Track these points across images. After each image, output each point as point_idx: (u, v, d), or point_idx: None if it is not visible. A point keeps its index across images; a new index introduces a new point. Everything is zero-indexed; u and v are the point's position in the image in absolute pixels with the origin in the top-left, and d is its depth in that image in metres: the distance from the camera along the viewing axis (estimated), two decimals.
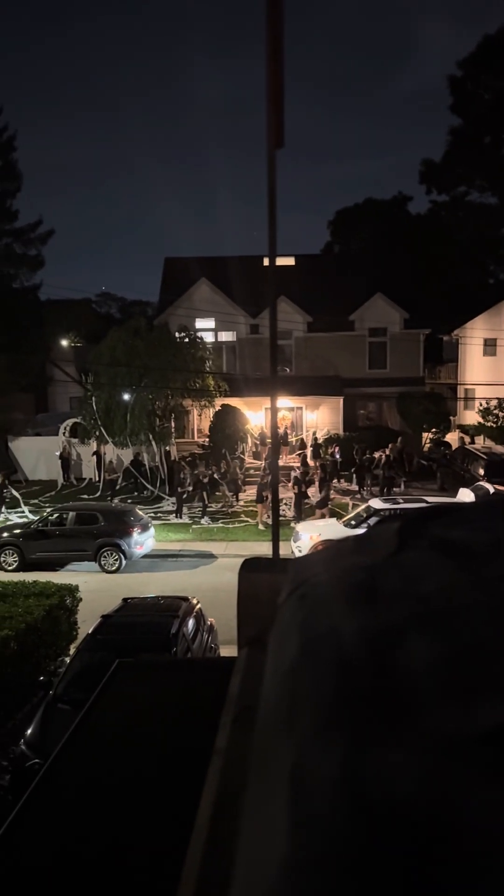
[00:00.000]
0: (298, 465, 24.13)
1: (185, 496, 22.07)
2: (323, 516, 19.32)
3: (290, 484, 21.88)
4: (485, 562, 0.90)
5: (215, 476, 23.52)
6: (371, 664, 0.68)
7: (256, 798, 0.66)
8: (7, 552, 16.96)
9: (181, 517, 21.56)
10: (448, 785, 0.51)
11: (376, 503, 17.03)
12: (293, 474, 21.96)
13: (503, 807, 0.48)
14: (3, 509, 22.19)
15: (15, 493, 22.86)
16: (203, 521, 21.07)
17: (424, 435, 29.37)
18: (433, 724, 0.58)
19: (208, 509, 21.71)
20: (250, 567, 1.80)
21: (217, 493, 23.32)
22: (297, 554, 15.63)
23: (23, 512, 22.16)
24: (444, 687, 0.63)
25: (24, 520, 19.97)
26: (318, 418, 30.12)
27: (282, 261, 32.99)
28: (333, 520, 18.31)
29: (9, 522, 20.08)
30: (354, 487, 24.14)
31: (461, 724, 0.57)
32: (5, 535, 17.32)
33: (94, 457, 26.46)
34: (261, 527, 20.00)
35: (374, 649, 0.70)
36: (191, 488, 22.39)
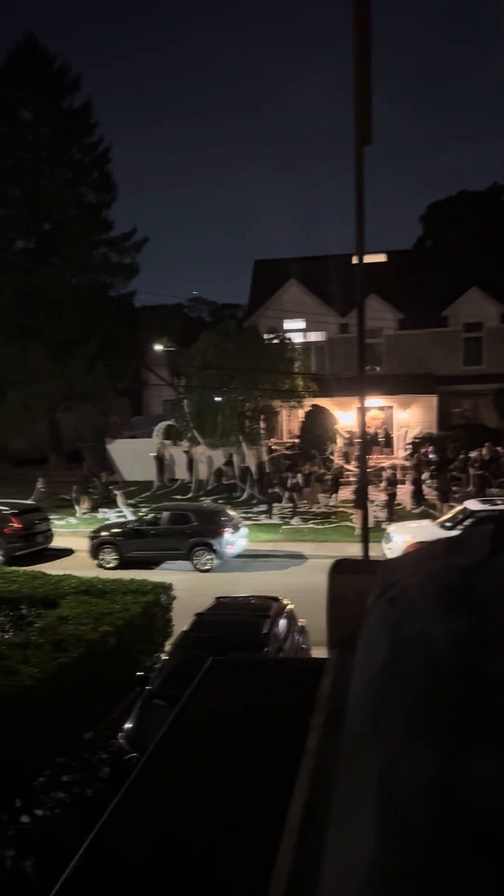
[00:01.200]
0: (388, 465, 23.70)
1: (275, 496, 22.14)
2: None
3: (383, 484, 21.54)
4: None
5: (308, 475, 23.46)
6: (463, 669, 0.66)
7: (345, 802, 0.66)
8: (106, 551, 17.58)
9: (272, 517, 21.65)
10: None
11: (472, 504, 16.49)
12: (384, 474, 21.61)
13: None
14: (105, 509, 23.20)
15: (117, 492, 23.73)
16: (293, 521, 21.07)
17: None
18: None
19: (298, 510, 21.70)
20: (340, 568, 1.79)
21: (308, 493, 23.26)
22: (389, 556, 15.37)
23: (121, 511, 22.94)
24: None
25: (122, 519, 20.67)
26: (410, 417, 29.46)
27: (372, 258, 32.49)
28: (427, 521, 17.88)
29: (108, 521, 20.82)
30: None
31: None
32: (104, 534, 17.96)
33: (187, 458, 27.02)
34: (358, 532, 19.76)
35: (466, 654, 0.68)
36: (279, 489, 22.45)
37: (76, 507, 24.08)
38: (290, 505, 21.87)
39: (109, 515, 22.94)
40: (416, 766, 0.56)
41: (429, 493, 22.65)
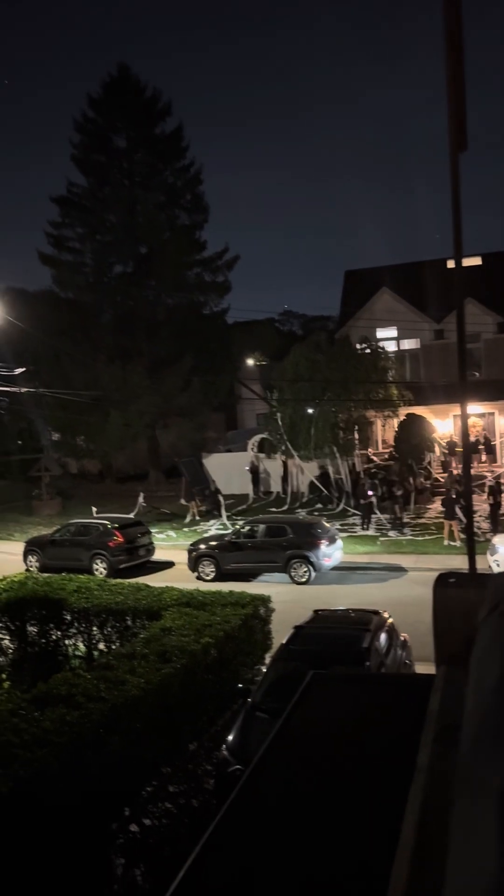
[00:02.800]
0: (491, 474, 22.83)
1: (371, 508, 21.76)
2: None
3: (486, 494, 20.79)
4: None
5: (406, 486, 22.98)
6: None
7: (463, 818, 0.65)
8: (205, 563, 17.88)
9: (367, 528, 21.28)
10: None
11: None
12: (487, 483, 20.84)
13: None
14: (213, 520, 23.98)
15: (222, 500, 24.42)
16: (391, 533, 20.66)
17: None
18: None
19: (399, 521, 21.28)
20: (446, 582, 1.75)
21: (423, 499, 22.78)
22: (496, 569, 14.78)
23: (223, 524, 23.38)
24: None
25: (222, 531, 21.00)
26: None
27: (468, 261, 31.58)
28: None
29: (207, 534, 21.19)
30: None
31: None
32: (203, 547, 18.28)
33: (282, 470, 27.15)
34: (447, 542, 19.14)
35: None
36: (374, 500, 22.07)
37: (189, 515, 25.14)
38: (389, 516, 21.47)
39: (214, 525, 23.54)
40: None
41: None
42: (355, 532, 21.32)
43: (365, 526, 21.36)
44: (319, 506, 24.86)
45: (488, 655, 0.87)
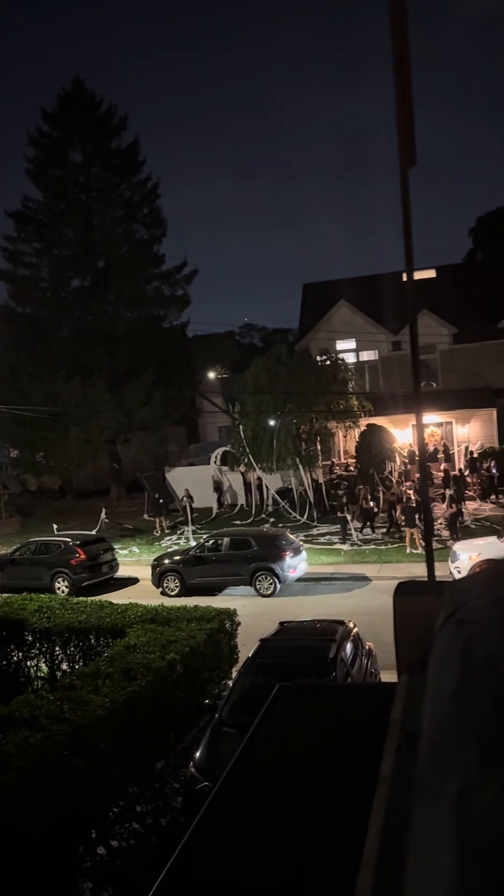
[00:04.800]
0: (447, 480, 23.19)
1: (344, 519, 21.69)
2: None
3: (445, 503, 21.10)
4: None
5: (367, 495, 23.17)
6: None
7: (422, 827, 0.65)
8: (169, 578, 17.73)
9: (345, 542, 21.03)
10: None
11: None
12: (448, 492, 21.15)
13: None
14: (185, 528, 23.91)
15: (189, 510, 24.43)
16: (349, 543, 20.72)
17: None
18: None
19: (366, 532, 21.39)
20: (406, 590, 1.77)
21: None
22: (457, 575, 14.99)
23: (187, 537, 23.30)
24: None
25: (183, 545, 20.88)
26: (470, 432, 28.89)
27: (422, 274, 32.33)
28: (493, 538, 17.38)
29: (170, 549, 21.04)
30: None
31: None
32: (167, 562, 18.13)
33: (244, 482, 27.20)
34: (409, 550, 19.33)
35: None
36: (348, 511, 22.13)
37: (157, 529, 25.22)
38: (360, 526, 21.53)
39: (181, 539, 23.44)
40: (493, 790, 0.55)
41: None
42: (319, 542, 21.37)
43: (344, 539, 21.09)
44: (284, 518, 24.91)
45: (444, 663, 0.88)
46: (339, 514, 21.68)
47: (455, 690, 0.77)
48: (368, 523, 21.85)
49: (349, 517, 21.69)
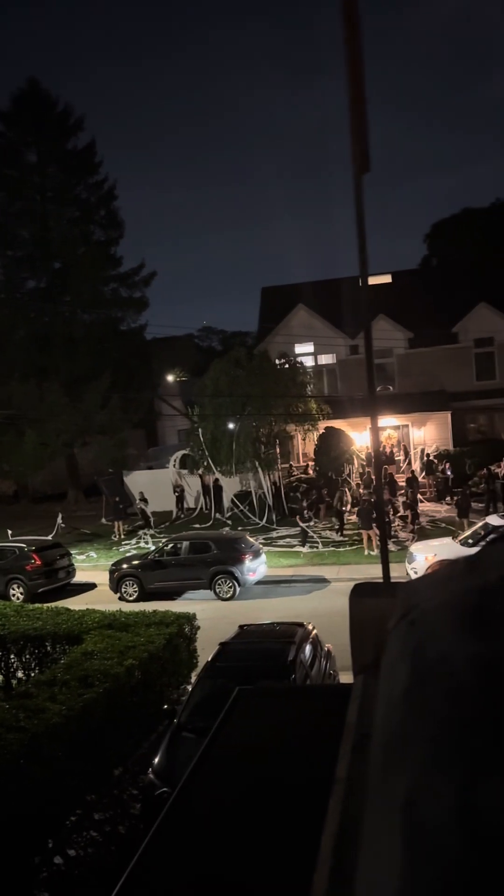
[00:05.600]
0: (405, 484, 23.54)
1: (310, 523, 21.81)
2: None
3: (400, 505, 21.39)
4: None
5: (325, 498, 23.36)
6: (485, 692, 0.66)
7: (372, 830, 0.65)
8: (127, 583, 17.56)
9: (304, 544, 21.14)
10: None
11: (494, 520, 16.32)
12: (401, 499, 21.45)
13: None
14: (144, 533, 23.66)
15: (143, 504, 24.28)
16: (305, 546, 20.84)
17: None
18: None
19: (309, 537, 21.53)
20: (361, 592, 1.79)
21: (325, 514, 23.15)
22: (413, 576, 15.21)
23: (146, 540, 23.14)
24: None
25: (140, 550, 20.71)
26: (426, 435, 29.37)
27: (379, 279, 32.76)
28: (449, 539, 17.70)
29: (129, 554, 20.84)
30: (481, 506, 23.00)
31: None
32: (125, 566, 17.95)
33: (202, 486, 27.16)
34: (367, 552, 19.54)
35: (488, 677, 0.68)
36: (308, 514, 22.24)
37: (115, 534, 24.92)
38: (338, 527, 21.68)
39: (140, 542, 23.26)
40: (441, 791, 0.56)
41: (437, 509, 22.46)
42: (279, 545, 21.43)
43: (304, 542, 21.18)
44: (244, 521, 24.94)
45: (396, 664, 0.89)
46: (300, 517, 21.76)
47: (406, 691, 0.78)
48: (338, 524, 22.06)
49: (310, 517, 21.87)
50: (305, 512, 21.82)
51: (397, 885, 0.50)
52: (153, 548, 19.91)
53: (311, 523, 21.96)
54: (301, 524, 21.31)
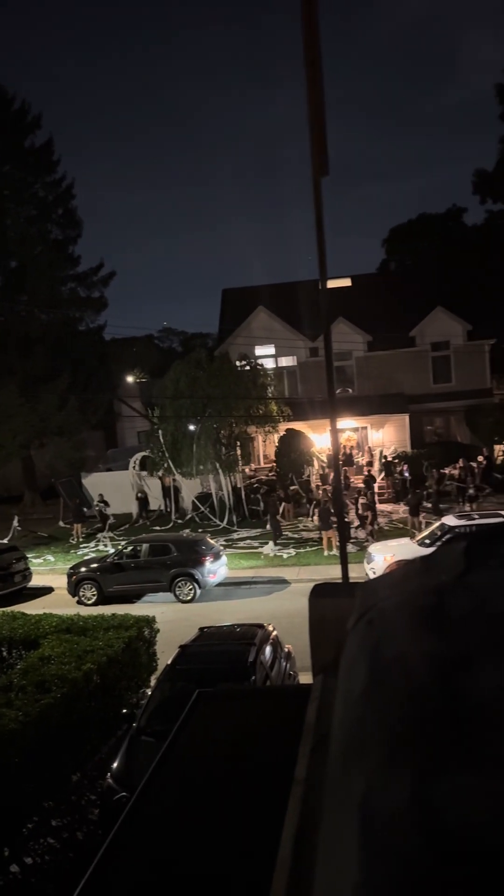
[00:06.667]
0: (363, 485, 23.81)
1: (276, 524, 21.88)
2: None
3: (359, 506, 21.60)
4: None
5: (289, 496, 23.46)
6: (441, 690, 0.67)
7: (330, 828, 0.66)
8: (86, 587, 17.34)
9: (276, 542, 21.17)
10: None
11: (450, 520, 16.61)
12: (361, 501, 21.66)
13: None
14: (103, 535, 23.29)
15: (102, 504, 23.95)
16: (268, 548, 20.92)
17: (497, 448, 28.54)
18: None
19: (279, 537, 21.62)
20: (320, 592, 1.80)
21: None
22: (372, 576, 15.37)
23: (104, 545, 22.86)
24: None
25: (98, 553, 20.48)
26: (385, 437, 29.74)
27: (338, 282, 33.06)
28: (407, 539, 17.96)
29: (87, 557, 20.59)
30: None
31: None
32: (83, 569, 17.72)
33: (162, 487, 26.99)
34: (326, 553, 19.71)
35: (443, 675, 0.69)
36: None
37: (73, 537, 24.52)
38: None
39: (99, 545, 22.97)
40: (397, 787, 0.57)
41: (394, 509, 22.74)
42: (239, 546, 21.44)
43: (276, 541, 21.27)
44: (205, 522, 24.86)
45: (354, 664, 0.90)
46: (270, 517, 21.86)
47: (363, 691, 0.78)
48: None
49: (279, 517, 22.03)
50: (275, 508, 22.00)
51: (354, 881, 0.51)
52: (112, 551, 19.71)
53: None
54: (279, 521, 21.51)
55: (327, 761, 0.90)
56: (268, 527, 21.91)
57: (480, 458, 26.22)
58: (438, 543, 15.22)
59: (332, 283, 32.20)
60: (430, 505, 22.31)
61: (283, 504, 24.21)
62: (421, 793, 0.55)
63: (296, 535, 22.19)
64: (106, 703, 8.98)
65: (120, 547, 18.73)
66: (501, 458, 28.32)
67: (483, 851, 0.49)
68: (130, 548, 17.86)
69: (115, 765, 7.64)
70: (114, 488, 27.17)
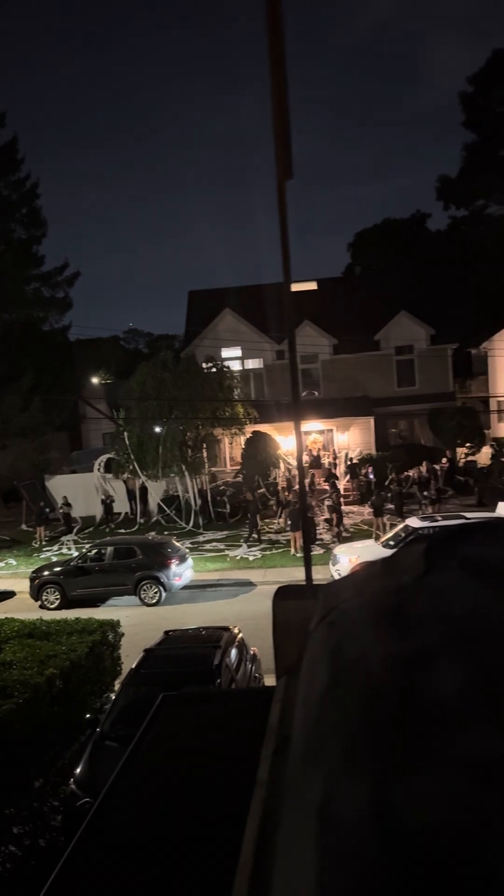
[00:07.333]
0: (328, 487, 23.95)
1: (254, 524, 21.96)
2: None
3: (325, 507, 21.74)
4: None
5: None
6: (400, 691, 0.67)
7: (289, 832, 0.66)
8: (49, 590, 17.10)
9: (248, 542, 21.28)
10: (481, 809, 0.50)
11: (414, 522, 16.81)
12: (327, 503, 21.81)
13: None
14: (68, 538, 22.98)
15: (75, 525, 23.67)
16: (241, 550, 20.96)
17: (459, 450, 29.00)
18: (464, 748, 0.57)
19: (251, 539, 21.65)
20: (284, 594, 1.80)
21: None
22: (337, 577, 15.46)
23: (68, 548, 22.59)
24: (476, 710, 0.63)
25: (62, 556, 20.23)
26: (350, 439, 29.99)
27: (304, 285, 33.26)
28: (371, 541, 18.12)
29: (51, 561, 20.32)
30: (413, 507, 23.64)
31: (493, 747, 0.57)
32: (46, 573, 17.49)
33: (126, 490, 26.80)
34: (293, 553, 19.82)
35: (402, 675, 0.69)
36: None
37: (36, 540, 24.18)
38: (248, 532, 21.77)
39: (63, 549, 22.68)
40: (355, 790, 0.57)
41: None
42: (206, 549, 21.40)
43: (249, 540, 21.37)
44: (171, 525, 24.74)
45: (315, 665, 0.90)
46: (252, 516, 21.93)
47: (323, 692, 0.79)
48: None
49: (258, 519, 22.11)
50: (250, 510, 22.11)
51: (311, 885, 0.50)
52: (76, 554, 19.49)
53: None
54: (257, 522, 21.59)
55: (288, 764, 0.90)
56: (239, 530, 21.94)
57: (444, 461, 26.61)
58: (402, 545, 15.38)
59: (298, 287, 32.35)
60: (393, 506, 22.56)
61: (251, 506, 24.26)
62: (378, 795, 0.55)
63: (263, 538, 22.23)
64: (69, 708, 8.87)
65: (84, 550, 18.53)
66: (464, 460, 28.78)
67: (440, 852, 0.50)
68: (95, 551, 17.69)
69: (78, 770, 7.57)
70: (78, 491, 26.87)
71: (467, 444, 28.80)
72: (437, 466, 25.75)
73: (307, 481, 26.45)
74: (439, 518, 17.19)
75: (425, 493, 23.15)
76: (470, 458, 28.87)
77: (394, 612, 0.87)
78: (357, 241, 55.75)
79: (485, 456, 28.43)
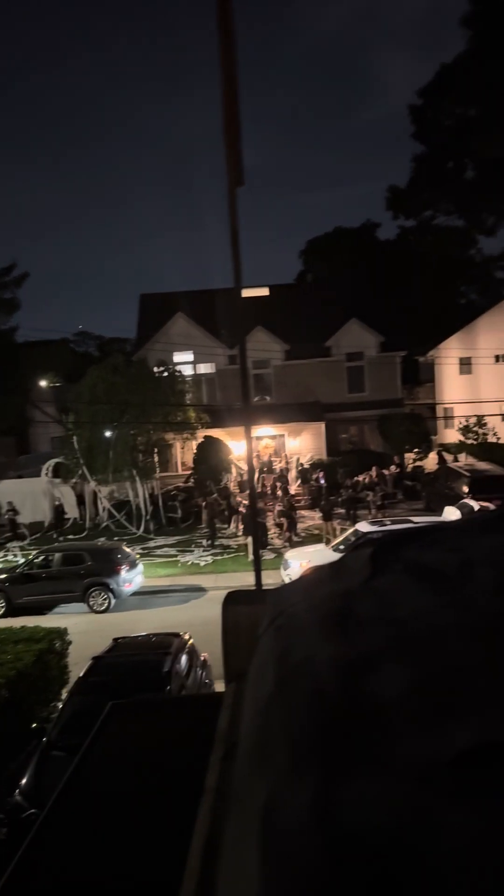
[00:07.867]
0: (279, 492, 24.10)
1: (214, 529, 21.91)
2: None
3: (275, 513, 21.83)
4: (456, 583, 0.91)
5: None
6: (343, 694, 0.68)
7: (233, 838, 0.66)
8: None
9: (205, 549, 21.35)
10: (419, 811, 0.51)
11: (363, 526, 17.02)
12: (278, 507, 21.92)
13: (471, 830, 0.48)
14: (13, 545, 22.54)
15: (25, 532, 23.14)
16: (195, 555, 20.89)
17: (408, 455, 29.53)
18: (405, 751, 0.58)
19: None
20: (234, 600, 1.80)
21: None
22: (288, 582, 15.54)
23: (14, 555, 22.07)
24: (418, 712, 0.64)
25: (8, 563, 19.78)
26: (301, 444, 30.20)
27: (256, 291, 33.36)
28: (322, 545, 18.26)
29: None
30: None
31: (433, 750, 0.58)
32: None
33: (75, 495, 26.40)
34: (249, 558, 19.87)
35: (346, 678, 0.70)
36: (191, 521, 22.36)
37: None
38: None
39: (9, 556, 22.07)
40: (298, 794, 0.57)
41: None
42: (155, 554, 21.24)
43: (211, 543, 21.40)
44: (121, 530, 24.45)
45: (263, 670, 0.90)
46: (209, 520, 21.89)
47: (270, 697, 0.79)
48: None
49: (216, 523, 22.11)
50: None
51: (255, 890, 0.50)
52: (22, 561, 19.08)
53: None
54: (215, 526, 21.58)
55: (235, 770, 0.90)
56: (191, 535, 21.86)
57: (393, 467, 27.05)
58: (352, 549, 15.56)
59: (250, 293, 32.46)
60: (343, 511, 22.80)
61: (203, 511, 24.21)
62: (321, 798, 0.56)
63: (216, 542, 22.18)
64: (15, 717, 8.68)
65: (30, 556, 18.15)
66: (412, 465, 29.32)
67: (381, 854, 0.51)
68: (42, 557, 17.35)
69: (24, 781, 7.39)
70: (25, 496, 26.32)
71: (415, 450, 29.36)
72: (385, 472, 26.15)
73: (259, 486, 26.55)
74: (388, 522, 17.44)
75: (373, 498, 23.49)
76: (418, 463, 29.44)
77: (340, 616, 0.88)
78: (309, 248, 56.35)
79: (432, 461, 29.04)
